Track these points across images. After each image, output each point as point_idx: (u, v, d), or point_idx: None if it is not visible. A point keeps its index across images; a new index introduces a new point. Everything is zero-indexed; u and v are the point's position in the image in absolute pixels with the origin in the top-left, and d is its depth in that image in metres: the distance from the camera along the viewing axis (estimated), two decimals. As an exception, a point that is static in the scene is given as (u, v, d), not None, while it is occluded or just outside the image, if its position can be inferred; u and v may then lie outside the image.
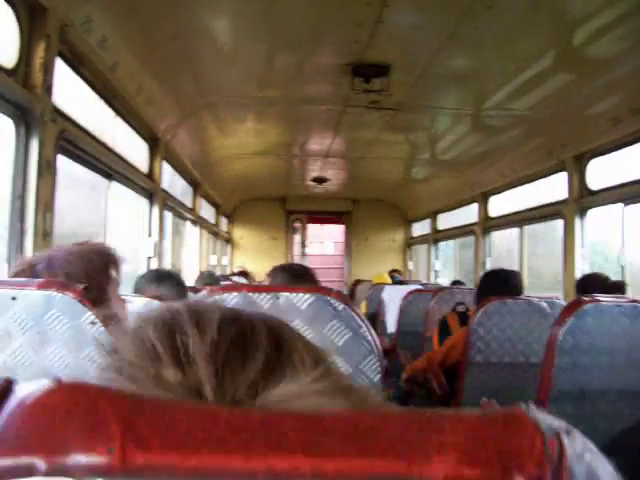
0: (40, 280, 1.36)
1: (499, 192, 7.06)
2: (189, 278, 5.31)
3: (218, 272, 8.32)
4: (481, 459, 0.30)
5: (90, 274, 1.52)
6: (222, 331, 0.45)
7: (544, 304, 3.17)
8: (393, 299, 5.86)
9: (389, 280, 8.50)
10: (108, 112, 3.91)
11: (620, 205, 4.45)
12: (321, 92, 4.95)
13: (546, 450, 0.30)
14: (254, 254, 11.22)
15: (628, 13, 3.15)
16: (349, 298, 1.28)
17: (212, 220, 9.03)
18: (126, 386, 0.42)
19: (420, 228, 10.91)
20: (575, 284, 3.90)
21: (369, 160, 7.68)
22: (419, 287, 6.20)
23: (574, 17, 3.35)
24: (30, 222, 2.59)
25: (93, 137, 3.56)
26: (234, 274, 8.97)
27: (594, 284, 3.37)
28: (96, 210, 4.20)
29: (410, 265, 11.41)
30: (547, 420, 0.32)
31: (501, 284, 3.35)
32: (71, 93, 3.28)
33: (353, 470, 0.29)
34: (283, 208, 11.44)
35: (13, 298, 1.33)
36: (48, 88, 2.73)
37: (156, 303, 2.26)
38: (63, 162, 3.12)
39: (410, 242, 11.46)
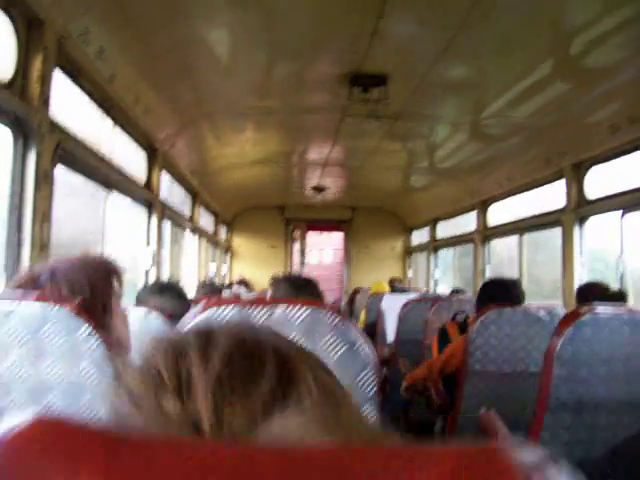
0: (36, 293, 1.36)
1: (498, 200, 7.06)
2: (188, 287, 5.31)
3: (216, 281, 8.32)
4: None
5: (93, 286, 1.52)
6: (227, 361, 0.44)
7: (543, 313, 3.16)
8: (392, 308, 5.84)
9: (388, 288, 8.48)
10: (106, 122, 3.91)
11: (618, 213, 4.44)
12: (319, 102, 4.97)
13: None
14: (253, 263, 11.23)
15: (626, 22, 3.16)
16: (345, 312, 1.28)
17: (211, 229, 9.04)
18: (133, 414, 0.42)
19: (420, 236, 10.91)
20: (576, 292, 3.88)
21: (368, 168, 7.68)
22: (417, 296, 6.20)
23: (571, 26, 3.35)
24: (27, 233, 2.60)
25: (91, 148, 3.57)
26: (234, 283, 8.97)
27: (594, 293, 3.35)
28: (95, 218, 4.21)
29: (409, 273, 11.41)
30: (528, 454, 0.31)
31: (501, 293, 3.34)
32: (69, 104, 3.28)
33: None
34: (282, 216, 11.44)
35: (9, 311, 1.33)
36: (45, 100, 2.74)
37: (154, 315, 2.26)
38: (63, 170, 3.13)
39: (410, 250, 11.46)
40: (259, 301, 1.26)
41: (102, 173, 3.77)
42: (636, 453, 1.25)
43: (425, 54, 3.80)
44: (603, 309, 2.12)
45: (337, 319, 1.24)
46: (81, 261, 1.55)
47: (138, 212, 4.85)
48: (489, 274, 7.17)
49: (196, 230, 7.27)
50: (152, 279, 4.75)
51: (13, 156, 2.60)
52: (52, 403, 1.32)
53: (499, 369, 3.19)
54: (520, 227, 6.39)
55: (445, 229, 9.46)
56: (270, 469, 0.29)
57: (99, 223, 4.16)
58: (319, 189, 9.16)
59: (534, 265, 7.29)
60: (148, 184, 4.87)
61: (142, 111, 4.23)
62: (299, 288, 2.46)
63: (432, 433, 3.69)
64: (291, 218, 11.49)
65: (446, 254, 9.81)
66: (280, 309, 1.25)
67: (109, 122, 3.95)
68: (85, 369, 1.32)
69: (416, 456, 0.31)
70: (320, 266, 12.40)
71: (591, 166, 4.80)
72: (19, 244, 2.58)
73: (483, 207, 7.41)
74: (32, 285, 1.48)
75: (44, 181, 2.70)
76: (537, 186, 5.87)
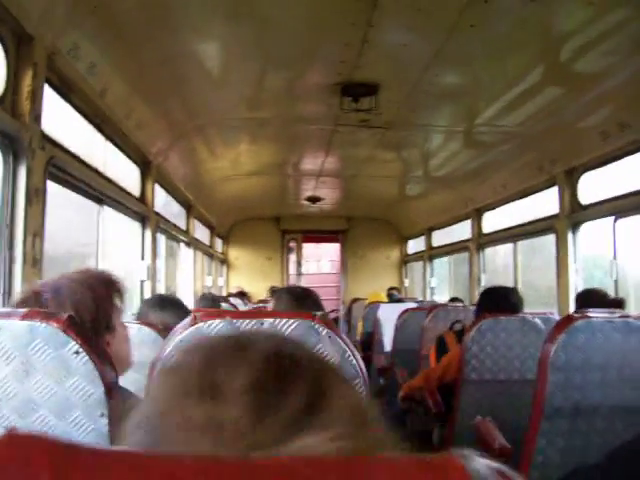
0: (24, 310, 1.36)
1: (493, 208, 7.07)
2: (184, 300, 5.29)
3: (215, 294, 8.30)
4: None
5: (97, 304, 1.53)
6: (262, 371, 0.44)
7: (538, 321, 3.17)
8: (389, 317, 5.85)
9: (385, 298, 8.49)
10: (98, 137, 3.91)
11: (611, 219, 4.45)
12: (312, 112, 4.98)
13: None
14: (250, 274, 11.23)
15: (615, 27, 3.17)
16: (333, 322, 1.28)
17: (207, 241, 9.03)
18: (158, 422, 0.42)
19: (415, 245, 10.92)
20: (575, 299, 3.88)
21: (362, 178, 7.70)
22: (414, 305, 6.20)
23: (560, 33, 3.37)
24: (19, 250, 2.59)
25: (83, 162, 3.57)
26: (232, 295, 8.96)
27: (593, 299, 3.34)
28: (91, 230, 4.20)
29: (406, 282, 11.42)
30: (480, 466, 0.31)
31: (500, 301, 3.34)
32: (60, 120, 3.28)
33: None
34: (278, 228, 11.44)
35: (-2, 329, 1.33)
36: (36, 116, 2.74)
37: (147, 330, 2.25)
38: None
39: (406, 259, 11.47)
40: (248, 314, 1.26)
41: (95, 187, 3.77)
42: (631, 458, 1.24)
43: (415, 62, 3.82)
44: (596, 315, 2.12)
45: (326, 330, 1.24)
46: (84, 278, 1.55)
47: (133, 225, 4.85)
48: (484, 282, 7.18)
49: (191, 243, 7.26)
50: (147, 292, 4.74)
51: (4, 173, 2.60)
52: (41, 419, 1.31)
53: (495, 377, 3.19)
54: (514, 234, 6.40)
55: (440, 238, 9.46)
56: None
57: (95, 236, 4.15)
58: (314, 199, 9.17)
59: (532, 271, 7.29)
60: (142, 198, 4.87)
61: (134, 125, 4.24)
62: (300, 300, 2.46)
63: (431, 442, 3.68)
64: (287, 229, 11.50)
65: (442, 263, 9.81)
66: (268, 321, 1.24)
67: (101, 137, 3.95)
68: (74, 385, 1.31)
69: (372, 466, 0.31)
70: (317, 277, 12.42)
71: (583, 172, 4.81)
72: (11, 261, 2.57)
73: (478, 215, 7.42)
74: (36, 302, 1.48)
75: (35, 197, 2.70)
76: (530, 193, 5.88)
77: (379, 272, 11.43)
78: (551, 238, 5.20)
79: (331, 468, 0.31)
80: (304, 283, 10.79)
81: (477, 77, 4.10)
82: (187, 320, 1.26)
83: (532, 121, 4.68)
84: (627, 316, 2.13)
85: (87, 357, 1.31)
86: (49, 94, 3.00)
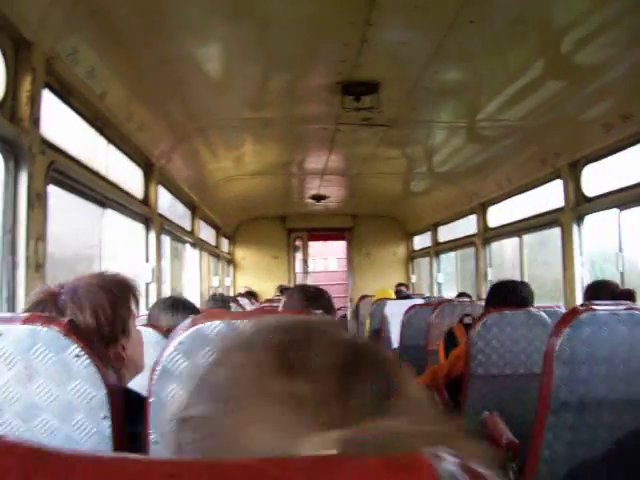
0: (25, 315, 1.36)
1: (497, 202, 7.06)
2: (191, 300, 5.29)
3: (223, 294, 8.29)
4: None
5: (115, 306, 1.52)
6: (343, 355, 0.47)
7: (543, 314, 3.16)
8: (395, 314, 5.84)
9: (393, 295, 8.47)
10: (100, 141, 3.92)
11: (616, 211, 4.43)
12: (314, 111, 4.98)
13: None
14: (256, 274, 11.24)
15: (615, 18, 3.16)
16: (351, 320, 1.28)
17: (213, 242, 9.04)
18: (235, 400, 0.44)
19: (421, 241, 10.91)
20: (584, 291, 3.85)
21: (367, 176, 7.70)
22: (420, 301, 6.19)
23: (561, 25, 3.36)
24: (22, 254, 2.59)
25: (85, 166, 3.57)
26: (240, 295, 8.97)
27: (603, 292, 3.32)
28: (98, 232, 4.20)
29: (413, 278, 11.41)
30: (450, 466, 0.31)
31: (510, 295, 3.32)
32: (61, 124, 3.29)
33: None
34: (283, 227, 11.45)
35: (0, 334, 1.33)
36: (36, 121, 2.74)
37: (151, 330, 2.25)
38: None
39: (412, 255, 11.46)
40: (246, 315, 1.26)
41: (97, 191, 3.77)
42: (638, 451, 1.23)
43: (415, 59, 3.81)
44: (601, 308, 2.11)
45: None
46: (101, 281, 1.54)
47: (137, 227, 4.85)
48: (491, 277, 7.17)
49: (197, 244, 7.27)
50: (152, 294, 4.74)
51: (5, 178, 2.60)
52: (44, 423, 1.31)
53: (501, 372, 3.18)
54: (520, 228, 6.39)
55: (446, 233, 9.45)
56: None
57: (100, 237, 4.16)
58: (319, 198, 9.17)
59: (538, 265, 7.26)
60: (145, 200, 4.88)
61: (136, 128, 4.24)
62: (312, 299, 2.45)
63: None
64: (292, 228, 11.50)
65: (449, 258, 9.80)
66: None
67: (102, 140, 3.95)
68: (76, 388, 1.31)
69: (340, 467, 0.31)
70: (323, 275, 12.41)
71: (586, 164, 4.80)
72: (14, 266, 2.57)
73: (482, 210, 7.40)
74: (52, 305, 1.47)
75: (37, 201, 2.70)
76: (535, 187, 5.87)
77: (386, 269, 11.43)
78: (557, 232, 5.18)
79: (299, 469, 0.31)
80: (311, 281, 10.79)
81: (478, 72, 4.09)
82: (187, 322, 1.26)
83: (534, 115, 4.67)
84: (632, 308, 2.11)
85: (88, 360, 1.31)
86: (49, 99, 3.01)
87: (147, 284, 4.76)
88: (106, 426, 1.32)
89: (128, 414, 1.37)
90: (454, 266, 9.69)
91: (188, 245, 7.07)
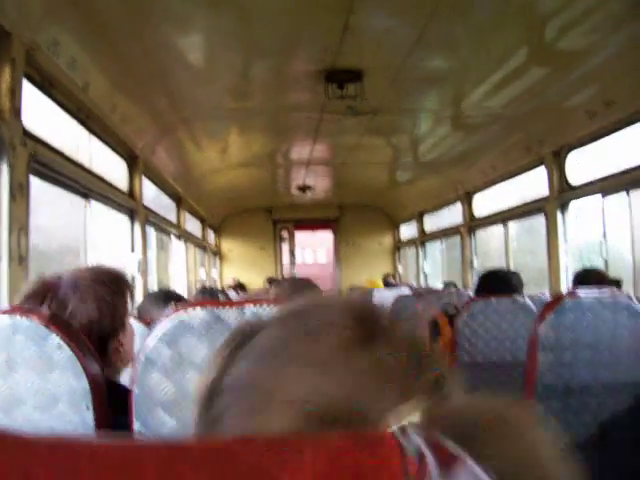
0: (4, 307, 1.35)
1: (482, 191, 7.08)
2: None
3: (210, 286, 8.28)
4: None
5: (116, 300, 1.51)
6: (409, 341, 0.49)
7: (528, 301, 3.17)
8: (383, 304, 5.83)
9: (381, 285, 8.50)
10: (83, 132, 3.89)
11: (599, 196, 4.45)
12: (298, 100, 4.96)
13: (405, 470, 0.29)
14: (243, 265, 11.23)
15: (598, 4, 3.16)
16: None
17: (199, 234, 9.01)
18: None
19: (408, 230, 10.92)
20: (572, 279, 3.86)
21: (352, 165, 7.68)
22: (406, 290, 6.20)
23: (543, 12, 3.35)
24: (4, 246, 2.57)
25: (68, 158, 3.54)
26: (230, 287, 8.96)
27: (591, 279, 3.32)
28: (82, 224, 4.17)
29: (400, 268, 11.43)
30: (416, 441, 0.31)
31: (499, 284, 3.33)
32: (43, 115, 3.26)
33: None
34: (270, 218, 11.44)
35: (-20, 327, 1.32)
36: (16, 112, 2.71)
37: (136, 324, 2.24)
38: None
39: (399, 245, 11.47)
40: (228, 303, 1.26)
41: (80, 183, 3.74)
42: (622, 434, 1.25)
43: (398, 47, 3.80)
44: (585, 294, 2.12)
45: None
46: (101, 275, 1.53)
47: (122, 219, 4.83)
48: (477, 266, 7.19)
49: (182, 235, 7.24)
50: (139, 286, 4.72)
51: (-15, 169, 2.58)
52: (26, 414, 1.31)
53: (487, 359, 3.19)
54: (505, 217, 6.41)
55: (432, 222, 9.46)
56: (152, 462, 0.29)
57: (85, 229, 4.12)
58: (304, 188, 9.16)
59: (526, 254, 7.29)
60: (130, 192, 4.85)
61: (119, 119, 4.21)
62: (300, 290, 2.45)
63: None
64: (279, 219, 11.49)
65: (434, 247, 9.82)
66: (250, 309, 1.24)
67: (86, 132, 3.92)
68: (57, 379, 1.31)
69: (307, 445, 0.30)
70: (310, 265, 12.41)
71: (570, 151, 4.81)
72: (-4, 258, 2.55)
73: (468, 198, 7.42)
74: (51, 297, 1.45)
75: (19, 193, 2.68)
76: (519, 174, 5.89)
77: (372, 259, 11.45)
78: (542, 220, 5.20)
79: (267, 448, 0.30)
80: (298, 272, 10.80)
81: (461, 60, 4.08)
82: (169, 310, 1.25)
83: (518, 102, 4.68)
84: (616, 295, 2.12)
85: (70, 351, 1.30)
86: (30, 90, 2.98)
87: (133, 276, 4.73)
88: (89, 417, 1.32)
89: (112, 405, 1.36)
90: (440, 255, 9.72)
91: (174, 237, 7.04)
